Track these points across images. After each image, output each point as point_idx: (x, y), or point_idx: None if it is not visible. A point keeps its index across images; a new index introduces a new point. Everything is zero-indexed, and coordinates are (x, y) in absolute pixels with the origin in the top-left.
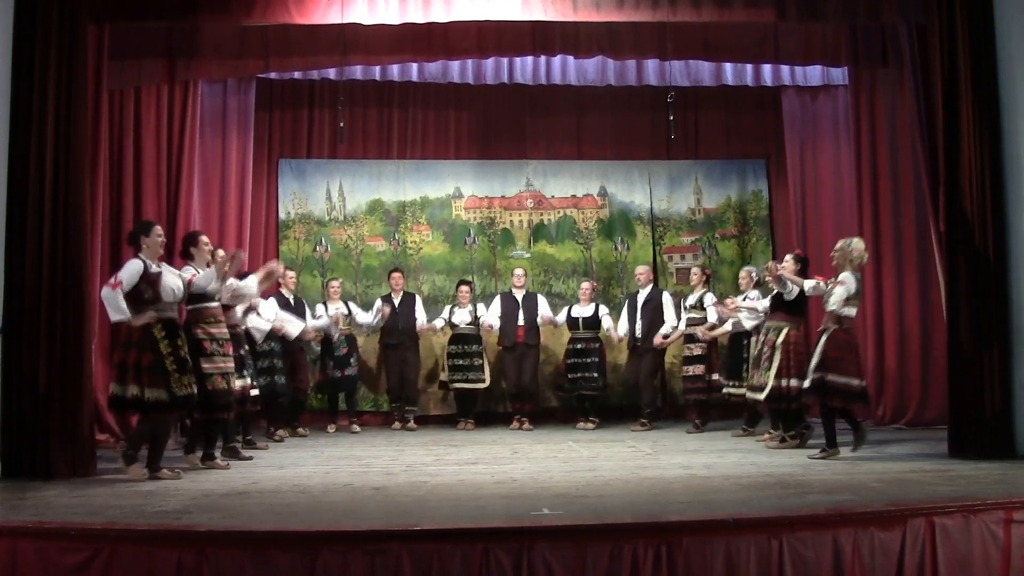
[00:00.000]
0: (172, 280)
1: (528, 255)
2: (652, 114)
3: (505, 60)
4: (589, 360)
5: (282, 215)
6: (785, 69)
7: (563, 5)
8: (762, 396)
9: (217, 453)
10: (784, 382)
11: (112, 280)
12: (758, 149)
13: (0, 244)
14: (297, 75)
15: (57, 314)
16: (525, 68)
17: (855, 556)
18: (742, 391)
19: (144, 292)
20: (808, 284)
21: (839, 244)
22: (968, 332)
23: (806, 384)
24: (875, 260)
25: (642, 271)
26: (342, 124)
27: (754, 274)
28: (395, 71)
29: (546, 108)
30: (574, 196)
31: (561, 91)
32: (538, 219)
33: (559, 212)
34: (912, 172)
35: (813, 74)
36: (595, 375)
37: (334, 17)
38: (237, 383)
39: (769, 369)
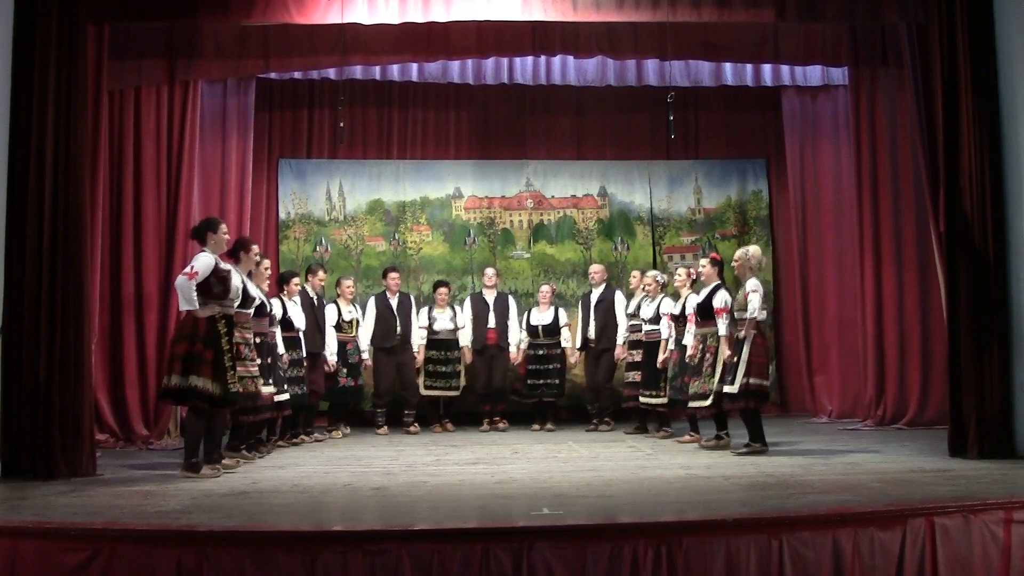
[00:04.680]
0: (236, 280)
1: (528, 255)
2: (652, 114)
3: (505, 60)
4: (551, 367)
5: (282, 215)
6: (785, 69)
7: (563, 5)
8: (708, 403)
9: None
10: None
11: (188, 271)
12: (758, 149)
13: (0, 244)
14: (297, 75)
15: (57, 314)
16: (525, 68)
17: (855, 556)
18: (659, 400)
19: (214, 287)
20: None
21: (738, 253)
22: (968, 332)
23: (733, 389)
24: (875, 260)
25: (596, 270)
26: (342, 124)
27: (659, 278)
28: (395, 71)
29: (546, 108)
30: (574, 196)
31: (561, 91)
32: (538, 219)
33: (559, 212)
34: (912, 172)
35: (813, 74)
36: (556, 381)
37: (334, 17)
38: (264, 390)
39: (713, 375)
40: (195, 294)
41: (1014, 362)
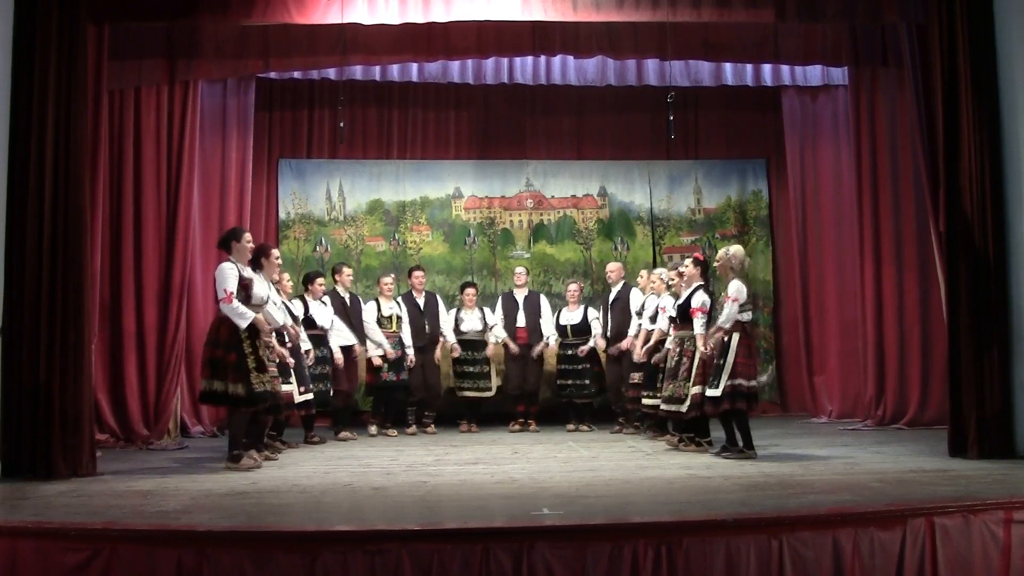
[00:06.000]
0: (260, 286)
1: (528, 255)
2: (652, 114)
3: (505, 60)
4: (581, 367)
5: (282, 215)
6: (785, 69)
7: (563, 5)
8: (684, 407)
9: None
10: (700, 389)
11: (224, 295)
12: (758, 149)
13: (0, 244)
14: (297, 75)
15: (57, 314)
16: (525, 68)
17: (855, 556)
18: (657, 402)
19: (238, 296)
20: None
21: (720, 253)
22: (968, 332)
23: (717, 392)
24: (875, 260)
25: (612, 268)
26: (342, 124)
27: (663, 276)
28: (395, 71)
29: (546, 108)
30: (574, 196)
31: (561, 91)
32: (538, 219)
33: (559, 212)
34: (912, 172)
35: (813, 74)
36: (587, 382)
37: (334, 17)
38: (283, 388)
39: (689, 379)
40: (242, 308)
41: (1014, 362)
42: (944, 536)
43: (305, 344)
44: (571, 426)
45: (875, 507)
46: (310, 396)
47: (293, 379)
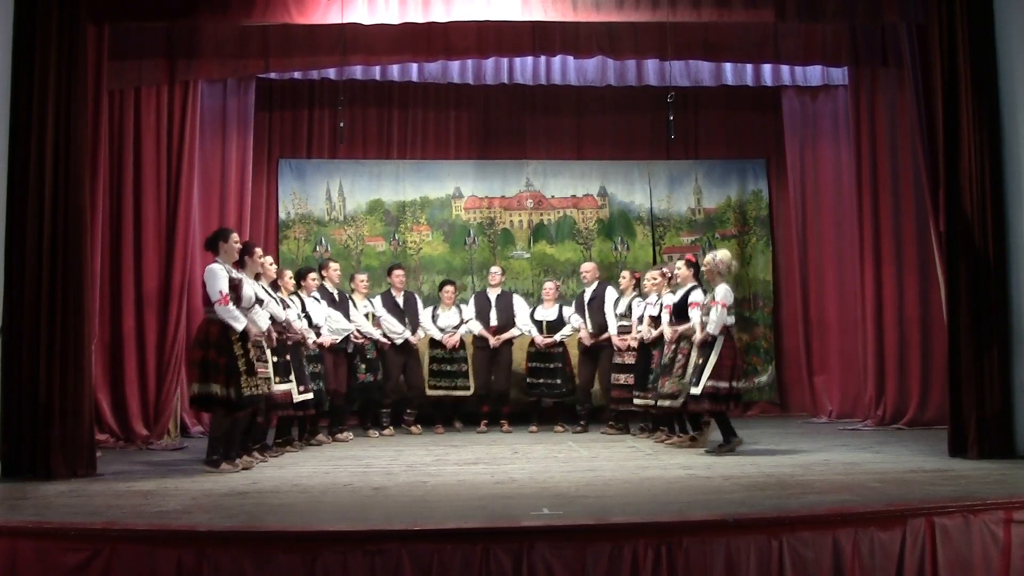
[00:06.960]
0: (249, 288)
1: (528, 255)
2: (652, 114)
3: (505, 60)
4: (552, 366)
5: (282, 215)
6: (785, 69)
7: (563, 5)
8: (679, 403)
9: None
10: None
11: (219, 297)
12: (758, 149)
13: (0, 244)
14: (297, 75)
15: (57, 314)
16: (525, 68)
17: (855, 556)
18: (649, 401)
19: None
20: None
21: (706, 258)
22: (968, 332)
23: (696, 391)
24: (875, 260)
25: (587, 269)
26: (342, 124)
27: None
28: (395, 71)
29: (546, 108)
30: (574, 196)
31: (561, 91)
32: (538, 219)
33: (559, 212)
34: (912, 172)
35: (813, 74)
36: (558, 381)
37: (334, 17)
38: (278, 388)
39: (683, 377)
40: (236, 311)
41: (1014, 362)
42: (944, 536)
43: (311, 338)
44: (533, 427)
45: (875, 507)
46: (309, 396)
47: (292, 378)
